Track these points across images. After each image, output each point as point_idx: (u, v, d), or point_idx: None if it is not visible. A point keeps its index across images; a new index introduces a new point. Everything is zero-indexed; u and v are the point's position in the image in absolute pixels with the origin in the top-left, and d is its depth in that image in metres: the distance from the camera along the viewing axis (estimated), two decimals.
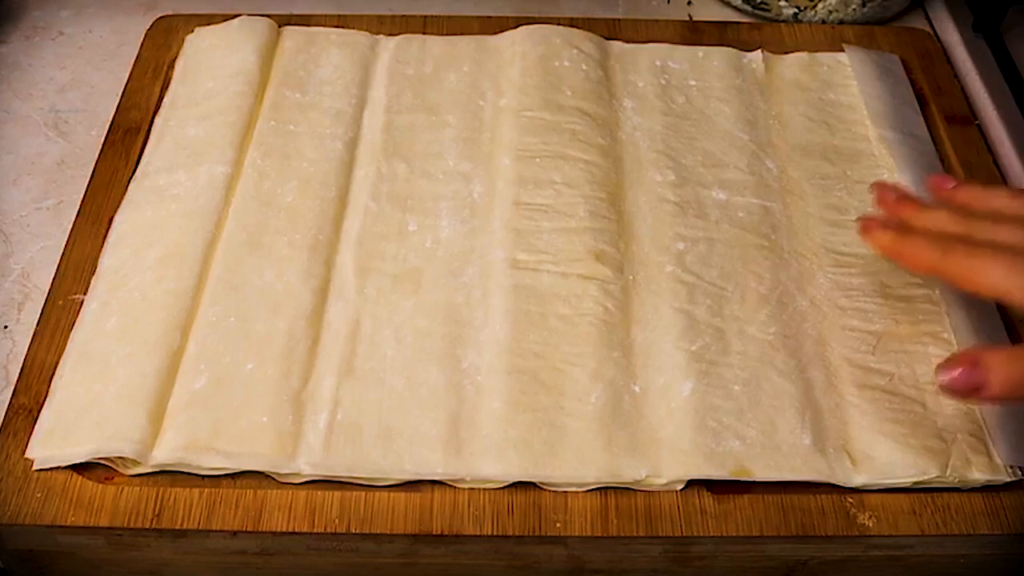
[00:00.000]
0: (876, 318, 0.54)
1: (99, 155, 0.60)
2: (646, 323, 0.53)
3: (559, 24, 0.67)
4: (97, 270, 0.55)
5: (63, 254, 0.56)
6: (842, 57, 0.68)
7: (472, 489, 0.47)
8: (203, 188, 0.57)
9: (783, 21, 0.73)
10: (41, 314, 0.53)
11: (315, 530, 0.46)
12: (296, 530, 0.46)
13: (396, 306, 0.53)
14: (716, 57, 0.67)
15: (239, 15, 0.67)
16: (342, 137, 0.61)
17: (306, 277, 0.54)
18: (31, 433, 0.48)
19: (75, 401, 0.49)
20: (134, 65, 0.65)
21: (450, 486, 0.48)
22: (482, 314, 0.53)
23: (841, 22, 0.73)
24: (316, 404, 0.49)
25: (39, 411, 0.49)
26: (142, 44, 0.67)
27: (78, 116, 0.67)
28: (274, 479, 0.47)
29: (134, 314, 0.52)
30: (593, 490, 0.48)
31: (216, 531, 0.46)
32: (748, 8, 0.74)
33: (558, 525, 0.47)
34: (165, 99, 0.63)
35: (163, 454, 0.47)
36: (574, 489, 0.48)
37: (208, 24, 0.67)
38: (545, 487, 0.48)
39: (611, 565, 0.48)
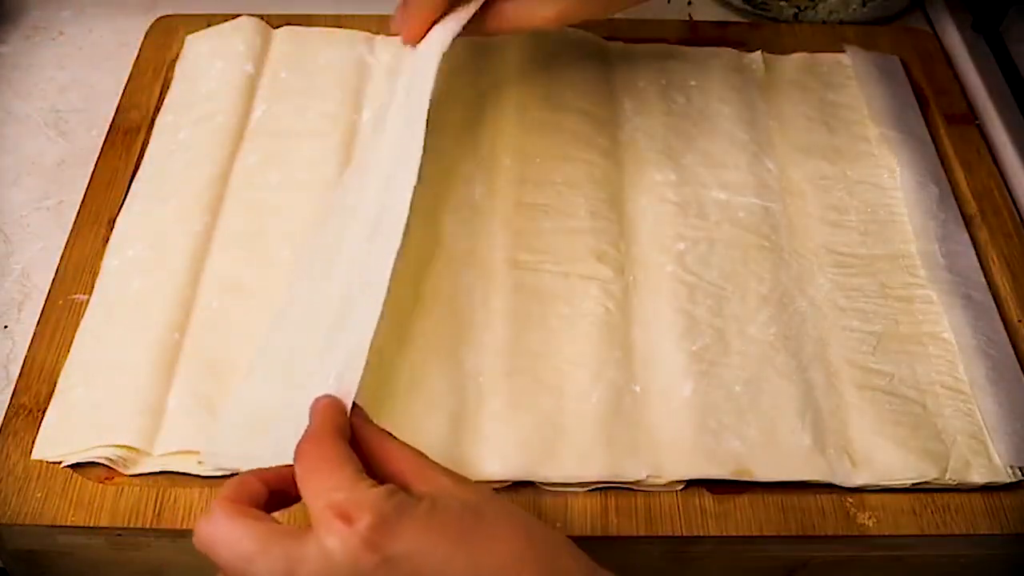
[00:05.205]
0: (876, 318, 0.54)
1: (99, 155, 0.60)
2: (647, 323, 0.53)
3: None
4: (101, 270, 0.54)
5: (63, 254, 0.55)
6: (842, 57, 0.68)
7: None
8: (202, 190, 0.57)
9: (783, 21, 0.73)
10: (41, 314, 0.53)
11: None
12: None
13: (397, 307, 0.53)
14: (716, 57, 0.67)
15: (239, 15, 0.67)
16: (339, 139, 0.60)
17: (306, 279, 0.54)
18: (35, 434, 0.48)
19: (80, 401, 0.49)
20: (134, 65, 0.65)
21: None
22: (483, 315, 0.53)
23: (841, 22, 0.73)
24: None
25: (42, 411, 0.49)
26: (142, 44, 0.67)
27: (78, 116, 0.67)
28: None
29: (137, 314, 0.52)
30: (593, 490, 0.48)
31: None
32: (748, 8, 0.74)
33: (558, 525, 0.46)
34: (165, 100, 0.63)
35: (165, 452, 0.47)
36: (574, 489, 0.48)
37: (208, 25, 0.67)
38: (545, 487, 0.48)
39: (611, 565, 0.48)
